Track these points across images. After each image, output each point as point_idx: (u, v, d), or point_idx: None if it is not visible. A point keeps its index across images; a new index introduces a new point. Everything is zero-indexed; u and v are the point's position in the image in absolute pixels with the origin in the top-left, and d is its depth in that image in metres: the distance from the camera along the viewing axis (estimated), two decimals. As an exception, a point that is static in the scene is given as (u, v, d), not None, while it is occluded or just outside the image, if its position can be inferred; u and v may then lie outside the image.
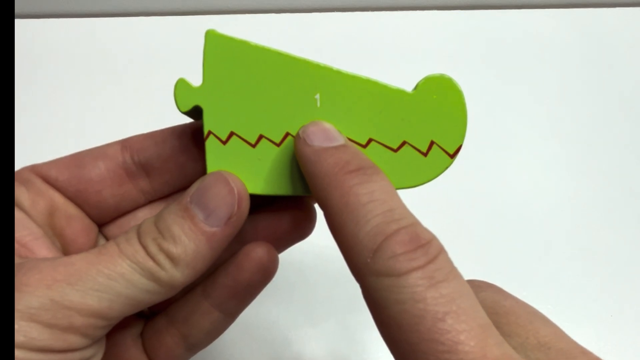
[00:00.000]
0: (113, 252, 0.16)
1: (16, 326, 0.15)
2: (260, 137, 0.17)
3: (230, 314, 0.20)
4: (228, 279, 0.19)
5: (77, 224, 0.20)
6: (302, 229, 0.20)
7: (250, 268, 0.19)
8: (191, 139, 0.19)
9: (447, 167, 0.18)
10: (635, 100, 0.41)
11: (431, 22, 0.46)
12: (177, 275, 0.16)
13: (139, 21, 0.46)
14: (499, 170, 0.34)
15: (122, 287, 0.16)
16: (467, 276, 0.16)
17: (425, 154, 0.17)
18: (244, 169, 0.17)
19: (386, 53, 0.44)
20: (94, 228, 0.21)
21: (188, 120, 0.19)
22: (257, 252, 0.19)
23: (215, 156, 0.17)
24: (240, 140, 0.17)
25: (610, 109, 0.40)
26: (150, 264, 0.16)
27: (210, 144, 0.17)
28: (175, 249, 0.16)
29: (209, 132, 0.17)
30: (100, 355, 0.17)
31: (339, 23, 0.46)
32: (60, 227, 0.19)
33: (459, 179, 0.35)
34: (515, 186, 0.36)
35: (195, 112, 0.17)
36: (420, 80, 0.18)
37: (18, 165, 0.23)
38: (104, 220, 0.21)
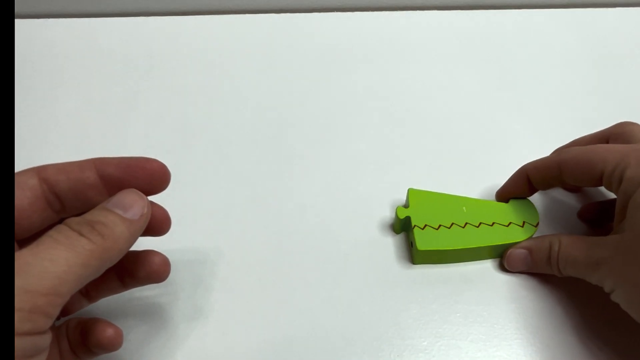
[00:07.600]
0: (49, 242, 0.20)
1: None
2: (440, 225, 0.32)
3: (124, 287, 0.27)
4: (131, 265, 0.26)
5: None
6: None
7: (149, 263, 0.26)
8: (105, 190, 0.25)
9: (534, 232, 0.32)
10: (635, 100, 0.41)
11: (431, 22, 0.47)
12: (109, 246, 0.21)
13: (139, 21, 0.46)
14: (499, 170, 0.34)
15: (65, 267, 0.20)
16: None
17: (522, 226, 0.32)
18: (432, 239, 0.31)
19: (386, 53, 0.44)
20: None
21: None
22: (154, 257, 0.26)
23: (419, 235, 0.31)
24: (430, 227, 0.32)
25: (610, 109, 0.40)
26: (83, 241, 0.21)
27: (417, 230, 0.31)
28: (105, 229, 0.21)
29: (415, 225, 0.32)
30: (48, 343, 0.20)
31: (339, 23, 0.46)
32: None
33: (459, 179, 0.35)
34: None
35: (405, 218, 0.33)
36: (510, 199, 0.33)
37: (19, 167, 0.23)
38: (26, 236, 0.24)
